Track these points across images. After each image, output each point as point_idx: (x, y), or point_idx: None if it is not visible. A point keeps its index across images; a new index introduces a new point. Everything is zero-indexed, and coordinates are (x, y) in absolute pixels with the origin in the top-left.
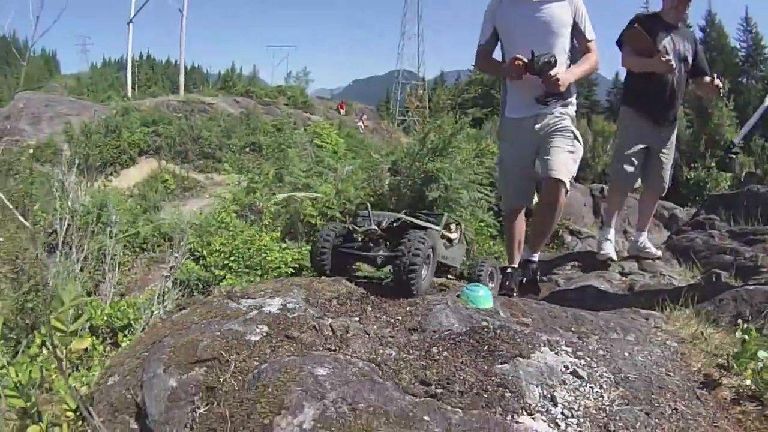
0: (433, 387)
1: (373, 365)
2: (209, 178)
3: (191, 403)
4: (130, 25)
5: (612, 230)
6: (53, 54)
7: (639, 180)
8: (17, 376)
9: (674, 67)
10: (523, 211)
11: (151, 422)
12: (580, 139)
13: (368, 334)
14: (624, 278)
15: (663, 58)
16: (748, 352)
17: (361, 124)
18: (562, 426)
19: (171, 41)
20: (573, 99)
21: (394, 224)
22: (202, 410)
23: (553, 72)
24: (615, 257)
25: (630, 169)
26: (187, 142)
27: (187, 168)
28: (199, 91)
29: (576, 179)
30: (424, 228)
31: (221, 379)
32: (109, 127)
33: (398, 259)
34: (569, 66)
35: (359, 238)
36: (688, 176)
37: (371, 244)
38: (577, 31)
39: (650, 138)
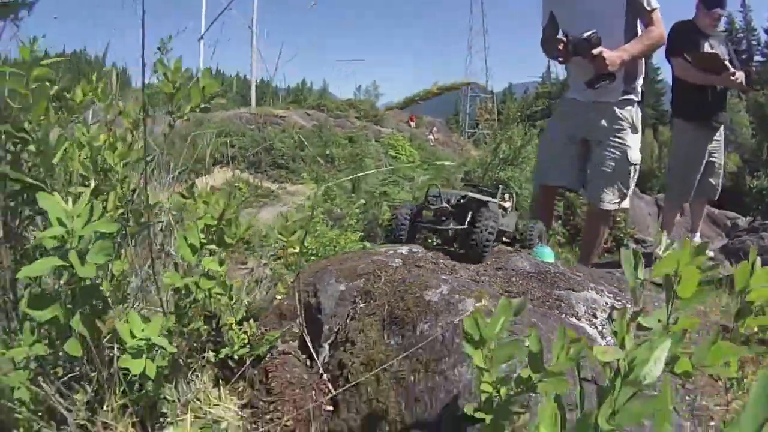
0: (513, 293)
1: (475, 282)
2: (282, 187)
3: (353, 302)
4: (201, 41)
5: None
6: (124, 68)
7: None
8: None
9: (741, 81)
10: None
11: (324, 316)
12: (636, 149)
13: (469, 269)
14: None
15: (733, 77)
16: None
17: (431, 136)
18: (599, 329)
19: (242, 56)
20: (637, 88)
21: (461, 201)
22: (361, 305)
23: (596, 51)
24: None
25: (693, 180)
26: (260, 153)
27: (260, 177)
28: (270, 104)
29: (642, 190)
30: (485, 202)
31: (376, 286)
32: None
33: (474, 233)
34: None
35: (432, 215)
36: (751, 185)
37: (443, 218)
38: (635, 5)
39: (705, 145)
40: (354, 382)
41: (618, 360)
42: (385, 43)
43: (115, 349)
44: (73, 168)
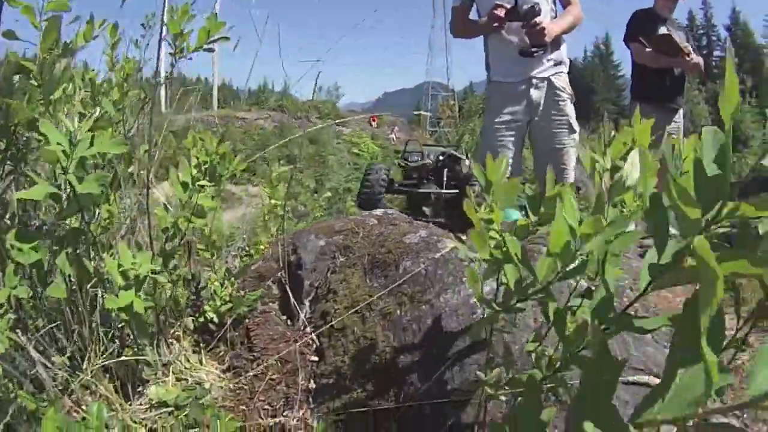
0: None
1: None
2: (244, 190)
3: (333, 257)
4: (162, 43)
5: None
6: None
7: None
8: None
9: (699, 64)
10: None
11: (304, 270)
12: (575, 119)
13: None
14: None
15: (689, 58)
16: None
17: (393, 135)
18: None
19: (202, 58)
20: (565, 58)
21: (441, 158)
22: (341, 259)
23: (537, 20)
24: None
25: None
26: None
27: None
28: (231, 106)
29: None
30: (460, 159)
31: (354, 241)
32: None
33: (461, 188)
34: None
35: (408, 175)
36: None
37: (424, 180)
38: None
39: (664, 126)
40: (340, 327)
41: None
42: (347, 43)
43: (100, 295)
44: (74, 105)
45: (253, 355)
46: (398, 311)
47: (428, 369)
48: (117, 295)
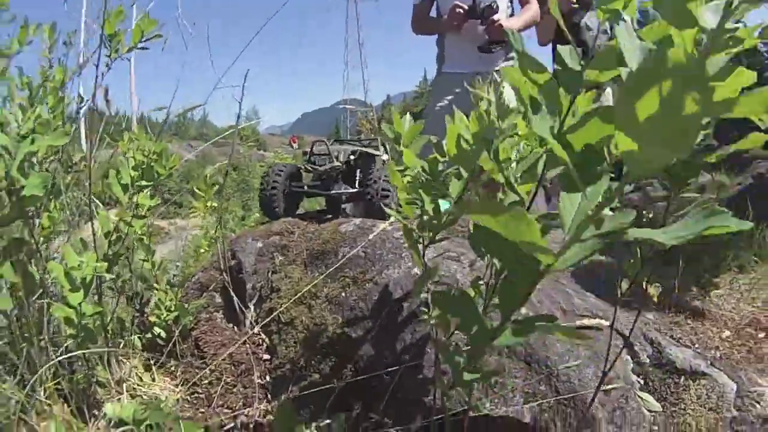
0: None
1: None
2: (172, 223)
3: (272, 258)
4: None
5: None
6: None
7: None
8: None
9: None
10: None
11: (245, 273)
12: None
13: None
14: None
15: None
16: None
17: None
18: None
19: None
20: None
21: (351, 157)
22: (280, 258)
23: (495, 17)
24: None
25: None
26: None
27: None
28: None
29: None
30: (373, 156)
31: (291, 239)
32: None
33: (369, 189)
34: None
35: (316, 177)
36: None
37: (333, 182)
38: None
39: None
40: (288, 320)
41: None
42: (265, 65)
43: (45, 308)
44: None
45: (205, 362)
46: (343, 293)
47: (379, 340)
48: (64, 303)
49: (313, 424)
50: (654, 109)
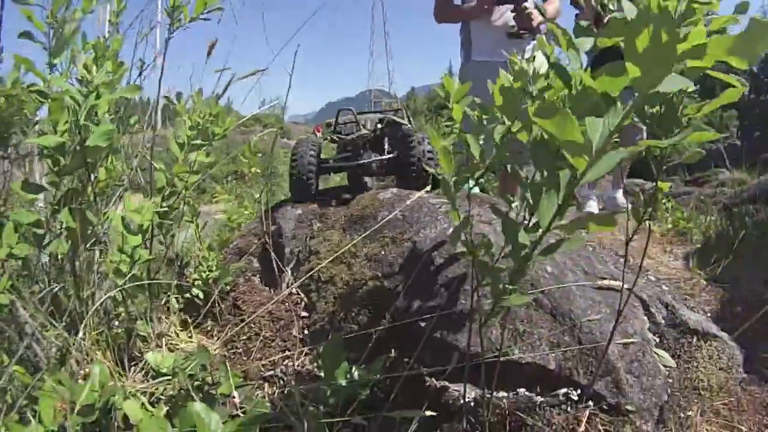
0: None
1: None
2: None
3: (310, 224)
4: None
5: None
6: None
7: None
8: None
9: None
10: None
11: (284, 238)
12: None
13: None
14: None
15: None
16: None
17: None
18: None
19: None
20: None
21: (379, 125)
22: (318, 224)
23: (526, 4)
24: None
25: None
26: None
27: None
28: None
29: None
30: (400, 125)
31: (330, 208)
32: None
33: (414, 151)
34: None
35: (344, 148)
36: (654, 151)
37: (361, 151)
38: None
39: None
40: (327, 278)
41: None
42: (289, 53)
43: (97, 257)
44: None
45: (243, 320)
46: (382, 251)
47: (415, 291)
48: (120, 251)
49: (353, 367)
50: (647, 43)
